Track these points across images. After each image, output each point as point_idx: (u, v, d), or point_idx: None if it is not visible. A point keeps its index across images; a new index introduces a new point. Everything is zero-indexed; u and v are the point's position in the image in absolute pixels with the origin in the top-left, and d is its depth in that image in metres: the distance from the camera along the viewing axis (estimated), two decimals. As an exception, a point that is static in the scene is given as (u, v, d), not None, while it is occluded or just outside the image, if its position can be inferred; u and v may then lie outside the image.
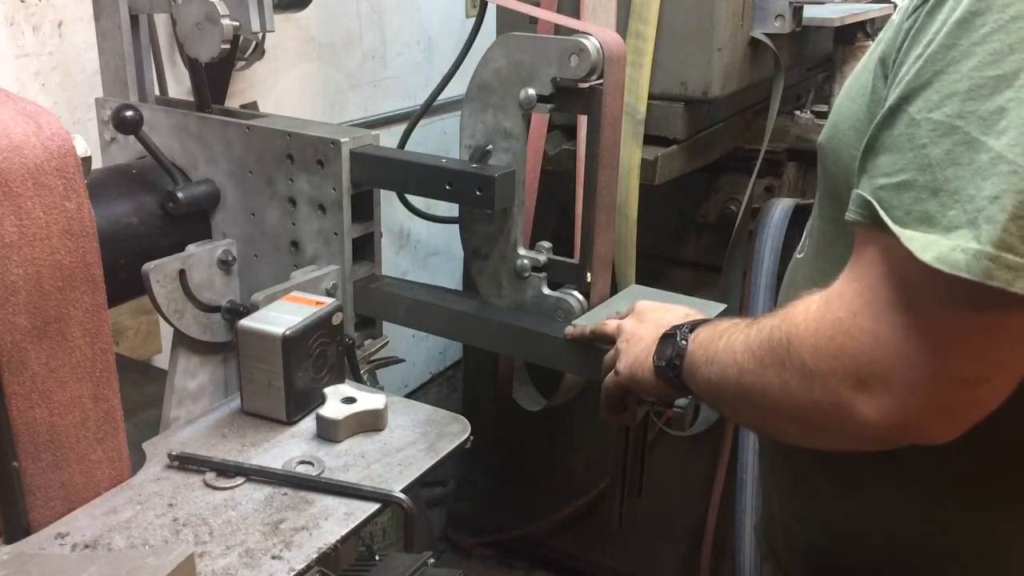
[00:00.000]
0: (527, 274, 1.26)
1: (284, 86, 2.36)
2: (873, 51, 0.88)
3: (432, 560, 0.98)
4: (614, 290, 1.46)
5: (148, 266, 1.21)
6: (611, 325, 1.13)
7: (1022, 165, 0.65)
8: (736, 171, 2.17)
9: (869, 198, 0.73)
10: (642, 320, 1.08)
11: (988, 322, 0.69)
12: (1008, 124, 0.66)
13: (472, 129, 1.24)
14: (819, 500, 1.01)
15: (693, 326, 0.98)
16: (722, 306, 1.28)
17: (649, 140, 1.90)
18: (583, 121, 1.84)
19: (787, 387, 0.79)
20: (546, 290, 1.26)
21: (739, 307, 2.12)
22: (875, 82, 0.83)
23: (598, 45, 1.15)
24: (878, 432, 0.74)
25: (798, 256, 1.10)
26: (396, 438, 1.11)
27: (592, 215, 1.23)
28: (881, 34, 0.88)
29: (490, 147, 1.23)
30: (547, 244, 1.30)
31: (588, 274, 1.25)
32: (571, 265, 1.26)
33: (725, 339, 0.90)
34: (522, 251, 1.27)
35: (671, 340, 0.98)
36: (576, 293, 1.25)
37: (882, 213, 0.72)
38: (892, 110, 0.74)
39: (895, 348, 0.71)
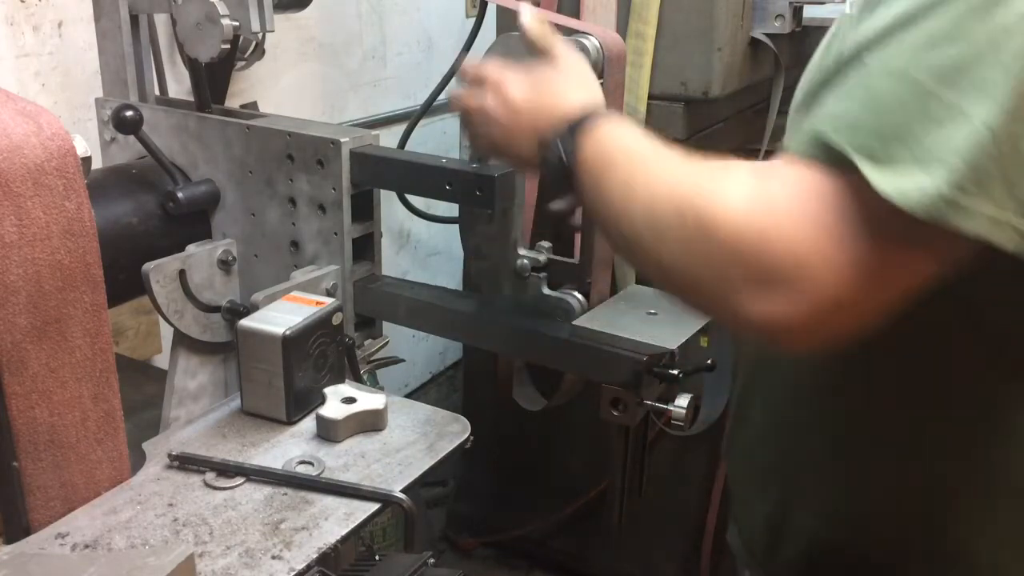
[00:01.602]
0: (527, 274, 1.26)
1: (284, 86, 2.36)
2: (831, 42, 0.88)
3: (432, 560, 0.98)
4: (614, 290, 1.46)
5: (148, 266, 1.21)
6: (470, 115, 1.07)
7: (975, 115, 0.67)
8: (736, 171, 2.17)
9: (815, 129, 0.74)
10: (514, 110, 1.01)
11: (905, 255, 0.72)
12: (966, 80, 0.68)
13: None
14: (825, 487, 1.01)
15: (574, 132, 0.93)
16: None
17: (649, 140, 1.90)
18: (583, 121, 1.84)
19: (688, 259, 0.79)
20: (546, 290, 1.26)
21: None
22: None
23: (598, 45, 1.15)
24: (757, 328, 0.76)
25: None
26: (396, 438, 1.11)
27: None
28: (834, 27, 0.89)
29: None
30: (547, 244, 1.30)
31: (588, 274, 1.25)
32: (571, 265, 1.26)
33: (620, 175, 0.87)
34: (522, 251, 1.27)
35: (552, 151, 0.94)
36: (576, 293, 1.25)
37: (830, 138, 0.73)
38: (843, 58, 0.75)
39: (810, 260, 0.72)
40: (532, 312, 1.27)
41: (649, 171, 0.85)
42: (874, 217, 0.71)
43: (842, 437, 0.97)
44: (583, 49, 1.14)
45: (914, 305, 0.78)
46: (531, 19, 1.08)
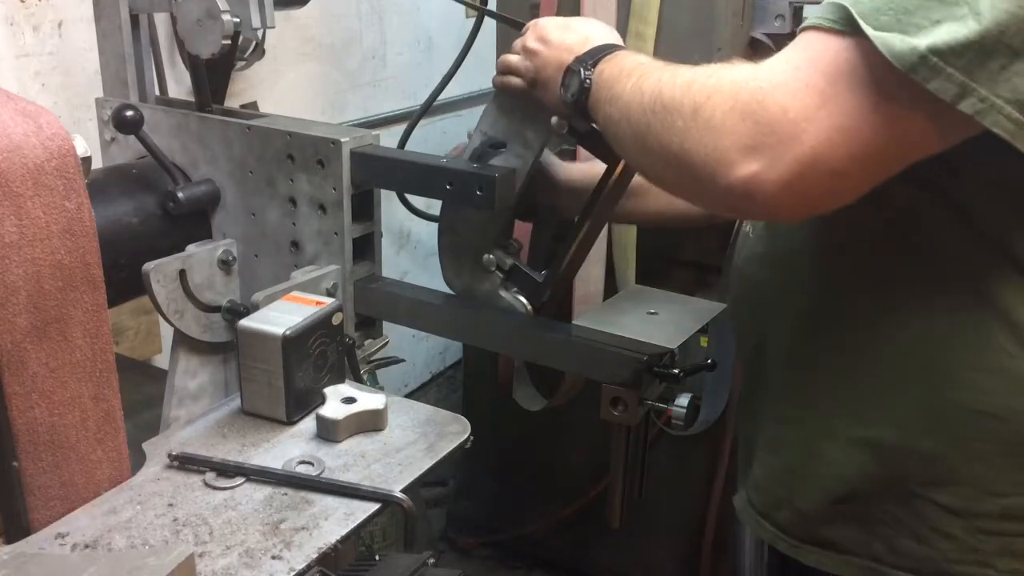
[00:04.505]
0: (492, 268, 1.27)
1: (284, 86, 2.36)
2: None
3: (432, 560, 0.98)
4: (613, 290, 1.47)
5: (148, 266, 1.20)
6: (513, 58, 1.20)
7: (981, 8, 0.74)
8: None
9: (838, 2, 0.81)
10: (546, 43, 1.14)
11: (888, 118, 0.78)
12: None
13: (495, 119, 1.24)
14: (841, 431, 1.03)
15: (595, 60, 1.05)
16: (722, 306, 1.28)
17: (649, 140, 1.90)
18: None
19: (686, 134, 0.86)
20: (502, 292, 1.27)
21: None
22: None
23: None
24: (741, 194, 0.83)
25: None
26: (396, 438, 1.11)
27: (576, 265, 1.28)
28: None
29: (503, 145, 1.23)
30: (518, 245, 1.31)
31: (546, 293, 1.26)
32: (532, 280, 1.27)
33: (634, 80, 0.97)
34: (494, 249, 1.27)
35: (575, 75, 1.06)
36: (522, 298, 1.26)
37: (844, 4, 0.79)
38: None
39: (795, 125, 0.79)
40: (483, 303, 1.29)
41: (661, 72, 0.95)
42: (860, 77, 0.78)
43: (869, 355, 0.99)
44: None
45: (913, 211, 0.90)
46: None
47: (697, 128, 0.85)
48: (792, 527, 1.08)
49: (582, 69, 1.05)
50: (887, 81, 0.77)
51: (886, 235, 0.96)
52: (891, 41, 0.75)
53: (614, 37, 1.14)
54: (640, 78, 0.96)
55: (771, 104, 0.80)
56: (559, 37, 1.13)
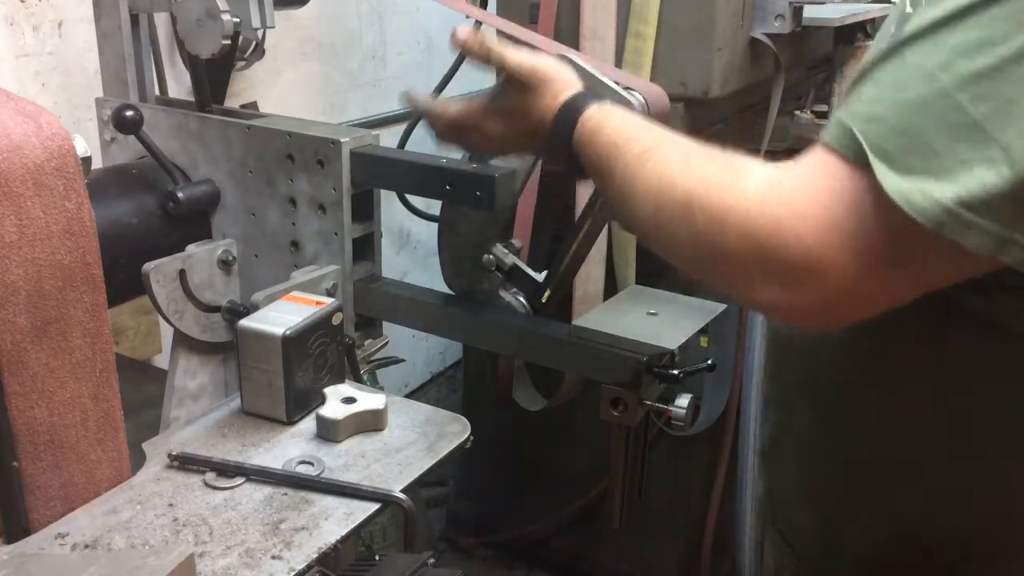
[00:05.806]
0: (492, 268, 1.27)
1: (284, 86, 2.36)
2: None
3: (432, 560, 0.98)
4: (613, 290, 1.46)
5: (148, 266, 1.21)
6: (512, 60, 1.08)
7: (995, 134, 0.67)
8: (736, 171, 2.17)
9: (842, 118, 0.75)
10: (504, 142, 1.12)
11: (917, 260, 0.73)
12: (989, 91, 0.68)
13: None
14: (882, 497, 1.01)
15: (571, 127, 0.98)
16: (722, 306, 1.28)
17: (649, 140, 1.90)
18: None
19: (697, 248, 0.81)
20: (502, 292, 1.27)
21: (739, 307, 2.12)
22: None
23: (643, 101, 1.15)
24: (764, 310, 0.82)
25: None
26: (396, 438, 1.11)
27: (576, 265, 1.28)
28: None
29: None
30: (518, 244, 1.31)
31: (546, 293, 1.26)
32: (533, 280, 1.27)
33: (619, 169, 0.90)
34: (494, 248, 1.28)
35: (562, 145, 0.99)
36: (522, 298, 1.26)
37: (853, 130, 0.73)
38: (891, 48, 0.74)
39: (819, 264, 0.73)
40: (481, 303, 1.29)
41: (646, 167, 0.86)
42: (886, 218, 0.71)
43: (903, 430, 0.96)
44: (627, 105, 1.12)
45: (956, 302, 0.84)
46: (465, 37, 1.08)
47: (710, 246, 0.79)
48: None
49: (563, 155, 1.00)
50: (915, 231, 0.70)
51: (915, 327, 0.91)
52: (912, 197, 0.69)
53: (556, 86, 1.04)
54: (625, 172, 0.89)
55: (792, 240, 0.74)
56: (515, 133, 1.09)
